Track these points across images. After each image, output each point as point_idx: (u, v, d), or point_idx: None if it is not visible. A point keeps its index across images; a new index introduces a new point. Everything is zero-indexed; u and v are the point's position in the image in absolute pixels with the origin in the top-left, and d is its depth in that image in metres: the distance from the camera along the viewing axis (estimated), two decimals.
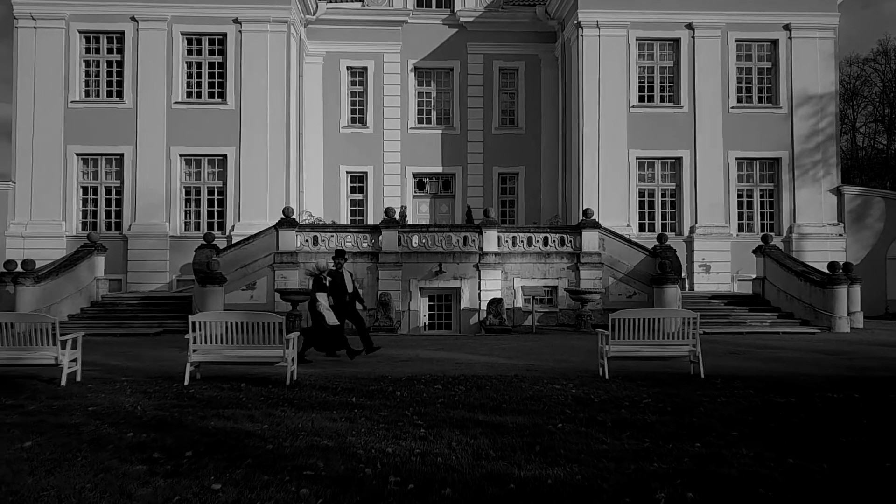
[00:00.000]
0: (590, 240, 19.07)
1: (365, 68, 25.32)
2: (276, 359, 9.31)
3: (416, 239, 18.97)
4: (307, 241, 18.81)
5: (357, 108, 25.45)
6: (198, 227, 21.72)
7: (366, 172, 25.13)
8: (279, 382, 9.32)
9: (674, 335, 9.91)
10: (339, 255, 12.93)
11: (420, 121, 25.52)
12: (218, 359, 9.41)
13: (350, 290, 12.82)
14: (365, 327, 13.09)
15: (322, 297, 12.21)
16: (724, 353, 12.87)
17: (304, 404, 7.86)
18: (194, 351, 9.32)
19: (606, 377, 9.82)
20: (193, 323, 9.26)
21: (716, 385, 9.29)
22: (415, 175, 25.35)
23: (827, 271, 17.46)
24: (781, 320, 17.92)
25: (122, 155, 21.74)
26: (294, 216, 20.32)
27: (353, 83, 25.48)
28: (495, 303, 17.58)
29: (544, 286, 18.96)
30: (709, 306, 18.82)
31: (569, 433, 6.44)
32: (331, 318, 12.09)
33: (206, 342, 9.28)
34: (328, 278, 12.50)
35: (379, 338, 15.62)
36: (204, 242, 18.49)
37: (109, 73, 22.01)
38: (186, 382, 9.15)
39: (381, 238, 18.80)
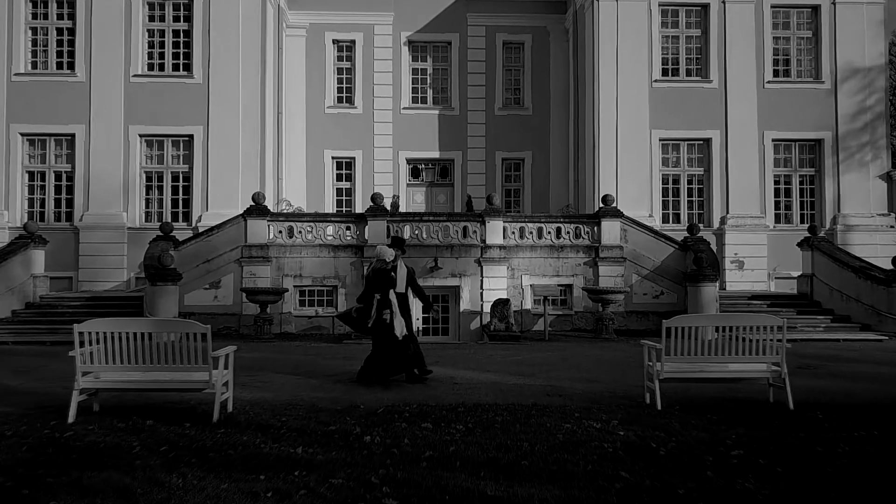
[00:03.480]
0: (610, 230, 16.38)
1: (353, 42, 22.64)
2: (199, 384, 6.62)
3: (407, 230, 16.28)
4: (281, 232, 16.12)
5: (344, 86, 22.78)
6: (161, 218, 19.02)
7: (354, 158, 22.45)
8: (206, 416, 6.64)
9: (742, 349, 7.22)
10: (397, 243, 9.67)
11: (415, 100, 22.83)
12: (119, 384, 6.72)
13: (402, 291, 9.46)
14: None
15: (393, 298, 9.10)
16: (792, 368, 10.16)
17: (223, 460, 5.19)
18: (85, 374, 6.64)
19: (659, 407, 7.14)
20: (81, 334, 6.57)
21: (817, 420, 6.62)
22: (409, 161, 22.67)
23: (892, 266, 14.78)
24: (837, 324, 15.25)
25: (73, 135, 19.03)
26: (266, 203, 17.66)
27: (340, 58, 22.81)
28: (500, 304, 14.88)
29: (557, 284, 16.27)
30: (749, 308, 16.14)
31: None
32: (400, 327, 9.08)
33: (103, 360, 6.60)
34: (392, 272, 9.28)
35: (361, 347, 12.95)
36: (160, 234, 15.80)
37: (59, 42, 19.28)
38: (71, 419, 6.46)
39: (367, 229, 16.11)
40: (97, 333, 6.55)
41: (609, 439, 5.85)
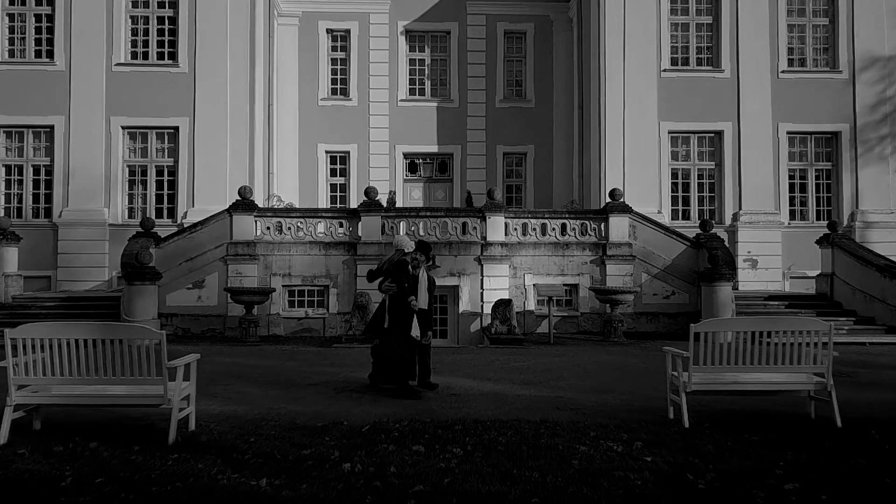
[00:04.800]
0: (618, 227, 15.43)
1: (348, 31, 21.68)
2: (153, 399, 5.68)
3: (403, 226, 15.34)
4: (268, 228, 15.18)
5: (338, 77, 21.81)
6: (145, 214, 18.07)
7: (348, 152, 21.49)
8: (164, 435, 5.69)
9: (780, 357, 6.27)
10: (423, 248, 8.47)
11: (412, 92, 21.88)
12: (60, 400, 5.78)
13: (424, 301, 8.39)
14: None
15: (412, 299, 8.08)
16: None
17: (168, 497, 4.26)
18: (20, 388, 5.69)
19: (686, 424, 6.20)
20: (14, 340, 5.62)
21: (875, 442, 5.69)
22: (406, 155, 21.71)
23: None
24: (861, 327, 14.30)
25: (52, 127, 18.08)
26: (256, 199, 16.78)
27: (334, 48, 21.85)
28: (502, 305, 13.92)
29: (563, 284, 15.32)
30: (766, 309, 15.21)
31: None
32: (415, 329, 8.09)
33: (42, 372, 5.65)
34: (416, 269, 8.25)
35: (353, 351, 12.03)
36: (141, 230, 14.87)
37: (38, 29, 18.34)
38: (3, 440, 5.53)
39: (360, 225, 15.18)
40: (34, 340, 5.61)
41: (634, 467, 4.91)
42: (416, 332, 7.99)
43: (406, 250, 8.37)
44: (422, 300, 8.20)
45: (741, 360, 6.26)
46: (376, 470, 4.82)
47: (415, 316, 8.03)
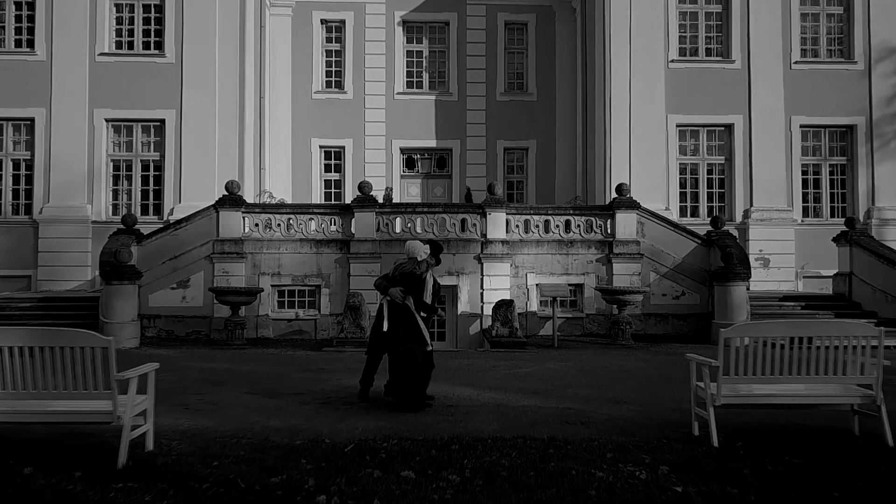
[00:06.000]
0: (626, 223, 14.66)
1: (343, 21, 20.91)
2: (101, 416, 4.90)
3: (399, 223, 14.59)
4: (257, 225, 14.41)
5: (333, 69, 21.03)
6: (130, 211, 17.28)
7: (343, 147, 20.70)
8: (113, 457, 4.90)
9: (819, 366, 5.50)
10: (436, 249, 7.57)
11: (409, 85, 21.09)
12: None
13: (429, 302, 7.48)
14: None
15: (411, 302, 7.25)
16: None
17: None
18: None
19: (715, 443, 5.42)
20: None
21: None
22: (403, 150, 20.93)
23: None
24: (890, 329, 13.47)
25: (32, 120, 17.31)
26: (246, 196, 16.05)
27: (329, 40, 21.07)
28: (503, 306, 13.13)
29: (567, 284, 14.54)
30: (781, 310, 14.43)
31: None
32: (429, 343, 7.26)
33: None
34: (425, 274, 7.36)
35: (344, 355, 11.26)
36: (122, 227, 14.10)
37: (18, 18, 17.54)
38: None
39: (353, 221, 14.41)
40: None
41: (664, 500, 4.13)
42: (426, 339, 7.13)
43: (419, 258, 7.28)
44: (427, 300, 7.40)
45: (777, 370, 5.48)
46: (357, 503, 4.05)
47: (420, 322, 7.17)
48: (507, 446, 5.39)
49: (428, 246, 7.46)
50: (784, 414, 6.40)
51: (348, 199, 19.83)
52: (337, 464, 4.91)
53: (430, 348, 7.22)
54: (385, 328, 7.17)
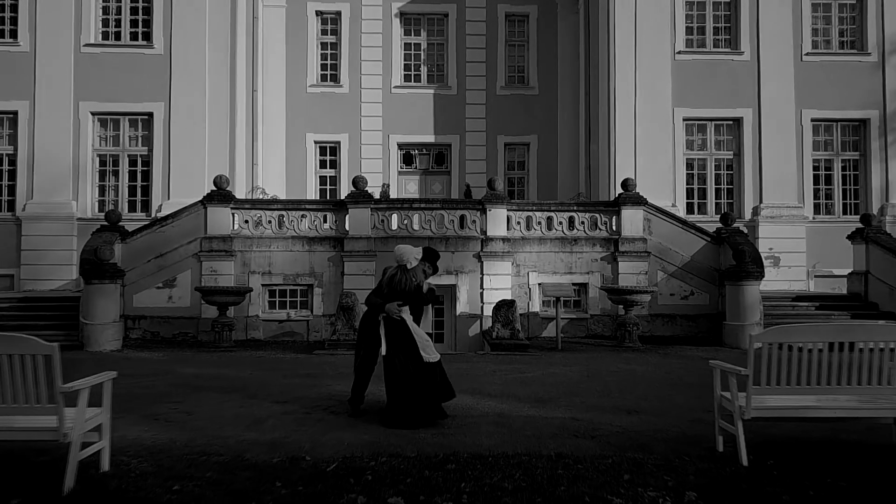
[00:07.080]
0: (632, 220, 14.03)
1: (338, 13, 20.29)
2: (45, 434, 4.28)
3: (395, 219, 13.96)
4: (247, 221, 13.78)
5: (328, 62, 20.40)
6: (117, 207, 16.67)
7: (339, 142, 20.07)
8: (62, 477, 4.28)
9: (860, 375, 4.88)
10: (429, 257, 6.74)
11: (407, 78, 20.46)
12: None
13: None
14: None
15: (407, 313, 6.39)
16: None
17: None
18: None
19: (744, 462, 4.80)
20: None
21: None
22: (400, 146, 20.30)
23: None
24: None
25: (15, 113, 16.67)
26: (237, 192, 15.42)
27: (324, 32, 20.45)
28: (504, 306, 12.48)
29: (571, 283, 13.91)
30: (795, 311, 13.81)
31: None
32: (431, 353, 6.31)
33: None
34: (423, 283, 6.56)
35: (335, 359, 10.64)
36: (106, 223, 13.47)
37: (1, 8, 16.92)
38: None
39: (347, 218, 13.79)
40: None
41: None
42: (430, 356, 6.35)
43: (409, 265, 6.49)
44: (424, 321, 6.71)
45: (815, 380, 4.86)
46: None
47: (417, 338, 6.40)
48: (510, 465, 4.77)
49: (420, 251, 6.72)
50: (814, 426, 5.79)
51: (344, 196, 19.25)
52: (316, 487, 4.29)
53: (437, 358, 6.46)
54: (384, 352, 6.38)
